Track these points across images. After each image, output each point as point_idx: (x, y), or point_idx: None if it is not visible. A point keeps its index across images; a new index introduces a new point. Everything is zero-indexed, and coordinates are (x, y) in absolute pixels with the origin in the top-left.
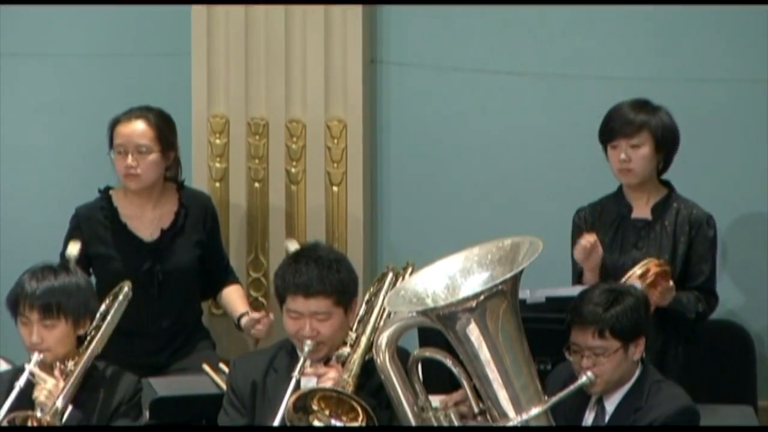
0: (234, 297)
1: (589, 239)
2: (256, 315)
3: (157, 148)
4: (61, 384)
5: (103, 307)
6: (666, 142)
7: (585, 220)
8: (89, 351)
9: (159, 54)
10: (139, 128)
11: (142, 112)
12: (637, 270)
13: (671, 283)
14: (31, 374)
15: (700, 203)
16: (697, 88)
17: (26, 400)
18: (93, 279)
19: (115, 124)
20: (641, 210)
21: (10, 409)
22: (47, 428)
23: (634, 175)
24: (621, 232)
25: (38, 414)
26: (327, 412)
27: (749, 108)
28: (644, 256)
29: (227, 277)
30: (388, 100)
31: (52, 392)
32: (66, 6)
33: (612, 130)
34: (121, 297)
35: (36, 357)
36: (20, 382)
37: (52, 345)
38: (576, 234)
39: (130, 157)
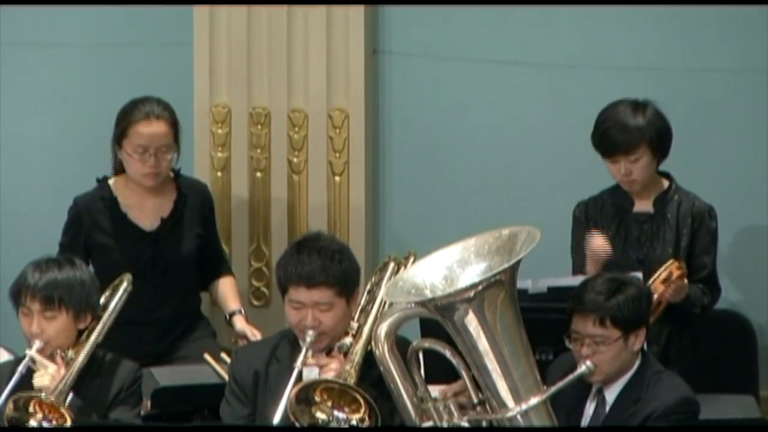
0: (227, 290)
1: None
2: (250, 335)
3: (174, 147)
4: (63, 371)
5: (103, 299)
6: (662, 144)
7: (586, 214)
8: (91, 340)
9: (161, 44)
10: (162, 130)
11: (159, 109)
12: (662, 274)
13: (685, 281)
14: (32, 360)
15: (701, 194)
16: (699, 78)
17: (28, 386)
18: (92, 269)
19: (131, 122)
20: (643, 203)
21: (11, 394)
22: (48, 428)
23: (637, 184)
24: (624, 226)
25: (42, 396)
26: (329, 404)
27: (750, 98)
28: (648, 251)
29: (222, 267)
30: (390, 90)
31: (54, 377)
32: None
33: (611, 146)
34: (121, 290)
35: (38, 344)
36: (21, 367)
37: (51, 336)
38: (577, 229)
39: (153, 158)
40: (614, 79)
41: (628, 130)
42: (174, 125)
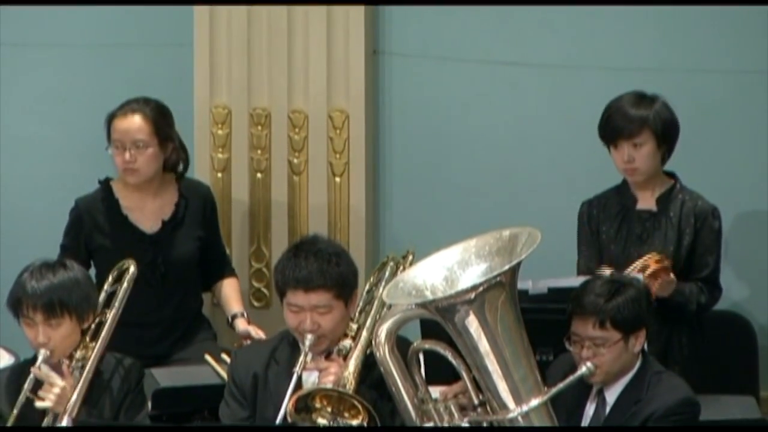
0: (230, 292)
1: None
2: (254, 334)
3: (155, 142)
4: (70, 382)
5: (104, 293)
6: (667, 136)
7: (589, 213)
8: (99, 343)
9: (161, 44)
10: (135, 123)
11: (139, 105)
12: (637, 265)
13: (672, 276)
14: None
15: (703, 194)
16: (699, 78)
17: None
18: (93, 271)
19: (111, 118)
20: (646, 201)
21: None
22: (49, 428)
23: (640, 174)
24: (626, 223)
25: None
26: (329, 409)
27: (750, 99)
28: (650, 248)
29: (225, 269)
30: (390, 90)
31: (62, 395)
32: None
33: (613, 131)
34: (125, 284)
35: (42, 355)
36: (27, 386)
37: (58, 343)
38: (581, 226)
39: (127, 152)
40: (614, 80)
41: (630, 117)
42: (155, 122)
